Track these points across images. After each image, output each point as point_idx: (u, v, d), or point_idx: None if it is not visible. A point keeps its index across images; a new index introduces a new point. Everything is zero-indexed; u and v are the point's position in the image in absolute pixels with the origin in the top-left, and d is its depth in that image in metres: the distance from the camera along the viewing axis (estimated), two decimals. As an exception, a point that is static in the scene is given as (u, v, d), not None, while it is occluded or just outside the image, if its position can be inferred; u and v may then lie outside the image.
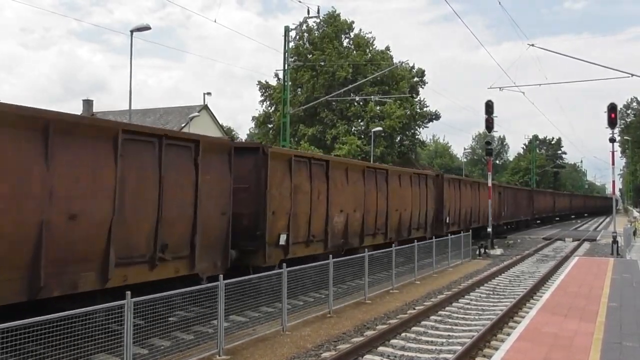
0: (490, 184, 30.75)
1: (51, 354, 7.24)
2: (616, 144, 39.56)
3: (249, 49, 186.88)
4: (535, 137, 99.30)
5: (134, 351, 7.94)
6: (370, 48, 52.56)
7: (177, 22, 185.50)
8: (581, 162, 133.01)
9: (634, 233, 32.73)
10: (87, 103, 49.60)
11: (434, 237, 21.71)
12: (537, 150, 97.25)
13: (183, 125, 43.02)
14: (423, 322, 12.02)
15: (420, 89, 54.48)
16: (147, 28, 25.44)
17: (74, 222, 8.62)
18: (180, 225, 10.70)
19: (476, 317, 12.91)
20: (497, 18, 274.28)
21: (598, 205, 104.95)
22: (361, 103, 50.60)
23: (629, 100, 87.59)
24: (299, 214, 14.97)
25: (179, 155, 10.79)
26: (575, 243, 34.33)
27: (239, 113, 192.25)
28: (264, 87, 52.90)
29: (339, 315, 12.64)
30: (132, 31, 25.28)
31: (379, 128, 46.48)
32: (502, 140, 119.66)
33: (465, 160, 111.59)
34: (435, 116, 55.82)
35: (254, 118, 54.10)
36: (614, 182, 30.52)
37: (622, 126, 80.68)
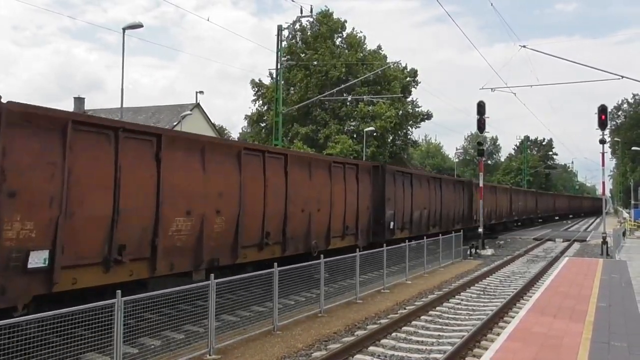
0: (481, 185, 30.91)
1: (40, 353, 7.21)
2: (606, 146, 39.86)
3: (245, 49, 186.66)
4: (527, 137, 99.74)
5: (124, 350, 7.91)
6: (362, 47, 52.60)
7: (172, 21, 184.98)
8: (572, 163, 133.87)
9: (623, 234, 32.98)
10: (79, 100, 49.37)
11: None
12: (529, 151, 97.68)
13: (175, 123, 42.84)
14: (414, 322, 12.05)
15: (412, 89, 54.58)
16: (139, 26, 25.37)
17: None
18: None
19: (466, 317, 12.96)
20: (490, 20, 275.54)
21: (592, 206, 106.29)
22: (353, 103, 50.64)
23: (620, 102, 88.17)
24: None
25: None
26: (566, 244, 34.54)
27: (234, 113, 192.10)
28: (257, 85, 52.81)
29: (330, 314, 12.65)
30: (124, 29, 25.19)
31: (371, 128, 46.54)
32: (494, 140, 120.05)
33: (457, 160, 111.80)
34: (427, 116, 55.89)
35: (246, 117, 54.01)
36: (604, 183, 30.75)
37: (613, 127, 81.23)
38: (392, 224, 21.04)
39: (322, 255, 13.34)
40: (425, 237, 20.80)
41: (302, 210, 15.30)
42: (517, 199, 48.11)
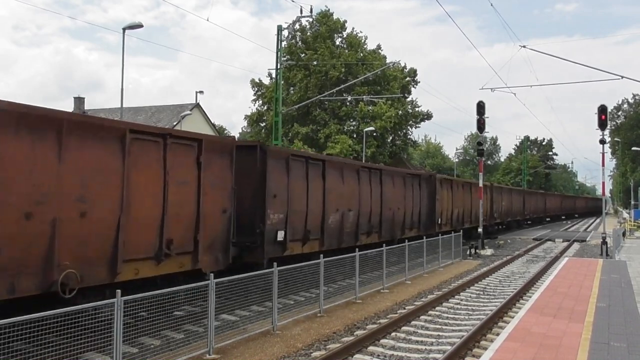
0: (481, 185, 30.91)
1: (40, 352, 7.20)
2: (606, 146, 39.86)
3: (245, 49, 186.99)
4: (527, 137, 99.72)
5: (123, 350, 7.91)
6: (362, 48, 52.63)
7: (172, 21, 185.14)
8: (572, 163, 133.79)
9: (623, 234, 32.98)
10: (79, 100, 49.38)
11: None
12: (529, 151, 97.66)
13: (175, 123, 42.90)
14: (413, 322, 12.06)
15: (412, 89, 54.57)
16: (139, 26, 25.40)
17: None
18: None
19: (466, 317, 12.97)
20: (489, 19, 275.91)
21: (588, 206, 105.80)
22: (353, 103, 50.66)
23: (620, 101, 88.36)
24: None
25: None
26: (565, 244, 34.54)
27: (234, 113, 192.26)
28: (257, 85, 52.81)
29: (330, 314, 12.66)
30: (124, 29, 25.21)
31: (371, 128, 46.55)
32: (494, 140, 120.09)
33: (457, 160, 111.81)
34: (427, 116, 55.86)
35: (246, 117, 54.02)
36: (604, 183, 30.72)
37: (613, 127, 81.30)
38: (281, 233, 14.52)
39: (321, 256, 13.29)
40: (357, 250, 15.15)
41: (29, 217, 8.24)
42: (499, 198, 41.44)
